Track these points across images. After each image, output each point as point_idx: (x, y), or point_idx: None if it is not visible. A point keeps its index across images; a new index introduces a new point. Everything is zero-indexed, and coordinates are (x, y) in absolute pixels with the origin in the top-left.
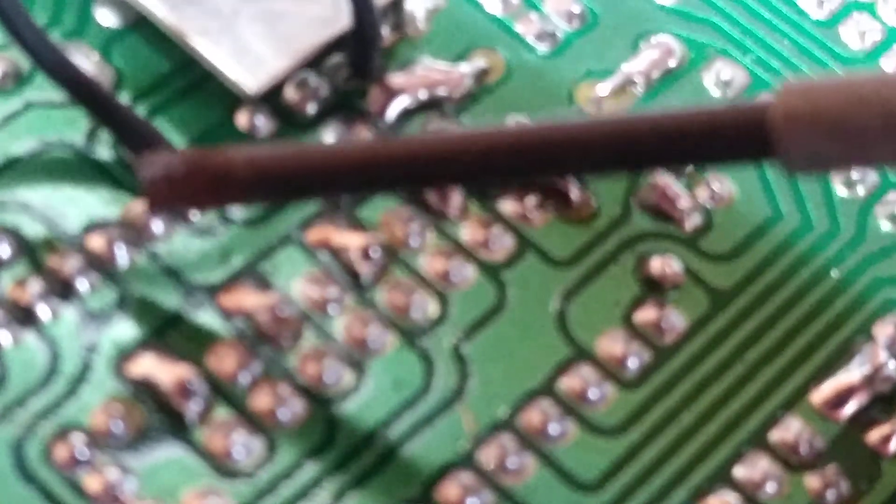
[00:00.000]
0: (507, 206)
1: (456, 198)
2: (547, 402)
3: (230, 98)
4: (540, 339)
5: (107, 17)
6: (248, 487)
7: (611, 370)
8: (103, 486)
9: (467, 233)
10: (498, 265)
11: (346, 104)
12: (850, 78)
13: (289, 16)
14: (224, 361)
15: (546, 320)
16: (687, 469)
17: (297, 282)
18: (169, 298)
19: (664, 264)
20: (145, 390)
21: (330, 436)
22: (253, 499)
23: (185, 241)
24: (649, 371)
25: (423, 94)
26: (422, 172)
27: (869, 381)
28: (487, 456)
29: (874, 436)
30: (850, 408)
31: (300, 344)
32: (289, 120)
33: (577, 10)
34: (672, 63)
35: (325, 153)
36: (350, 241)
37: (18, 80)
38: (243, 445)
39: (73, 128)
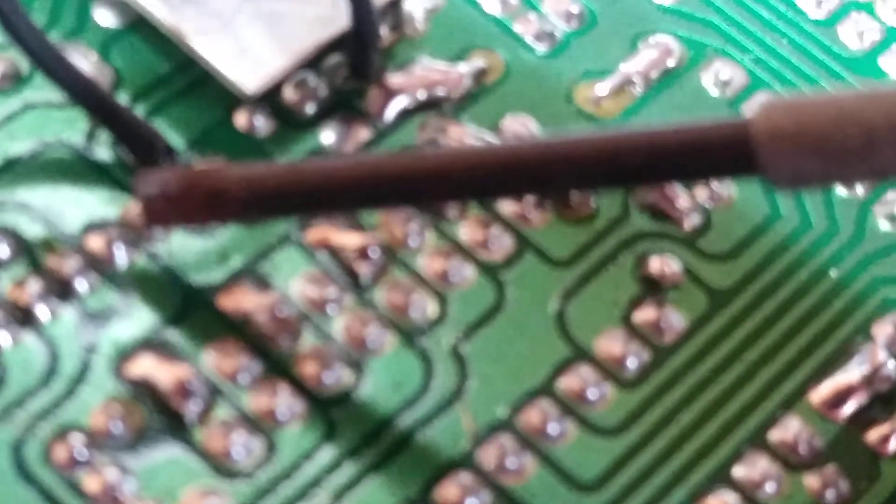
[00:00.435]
0: (506, 206)
1: None
2: (546, 401)
3: (229, 98)
4: (539, 339)
5: (105, 18)
6: (248, 487)
7: (610, 370)
8: (103, 486)
9: (466, 233)
10: (497, 265)
11: (345, 104)
12: (832, 95)
13: (287, 16)
14: (223, 362)
15: (545, 320)
16: (686, 469)
17: (296, 282)
18: (168, 299)
19: (663, 264)
20: (144, 391)
21: (329, 436)
22: (252, 499)
23: (184, 241)
24: (648, 371)
25: (421, 95)
26: (414, 190)
27: (868, 380)
28: (487, 456)
29: (873, 435)
30: (849, 407)
31: (299, 344)
32: (288, 120)
33: (575, 10)
34: (671, 63)
35: (320, 171)
36: (349, 241)
37: (17, 80)
38: (243, 446)
39: (72, 128)
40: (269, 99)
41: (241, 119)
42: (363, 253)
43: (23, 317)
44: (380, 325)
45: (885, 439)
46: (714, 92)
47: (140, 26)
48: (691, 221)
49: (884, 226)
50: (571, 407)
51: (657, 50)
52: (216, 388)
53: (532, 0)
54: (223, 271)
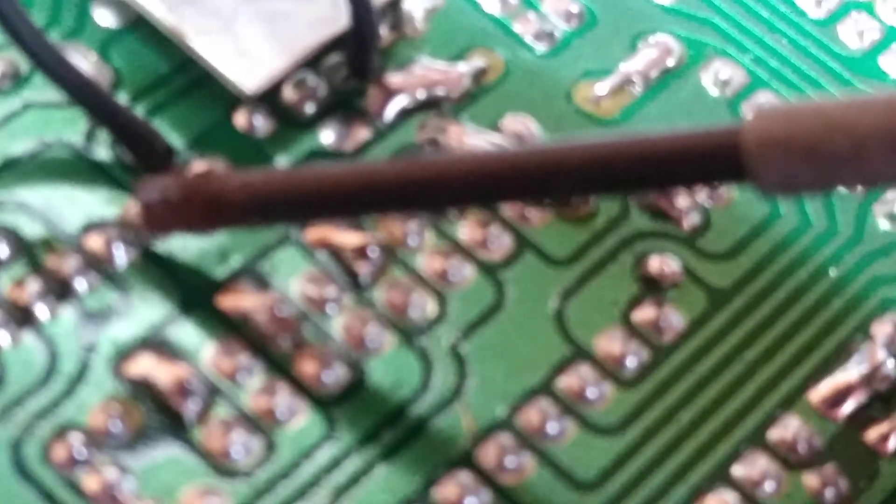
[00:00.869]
0: (506, 205)
1: None
2: (545, 401)
3: (229, 98)
4: (538, 338)
5: (105, 18)
6: (247, 487)
7: (609, 369)
8: (102, 485)
9: (466, 232)
10: (496, 264)
11: (345, 104)
12: (821, 103)
13: (287, 16)
14: (222, 361)
15: (544, 319)
16: (685, 468)
17: (295, 281)
18: (167, 298)
19: (663, 263)
20: (144, 390)
21: (328, 435)
22: (252, 498)
23: (183, 240)
24: (648, 370)
25: (421, 94)
26: (411, 197)
27: (867, 379)
28: (486, 455)
29: (872, 434)
30: (848, 406)
31: (299, 343)
32: (287, 120)
33: (575, 9)
34: (670, 62)
35: (318, 177)
36: (348, 240)
37: (17, 80)
38: (242, 445)
39: (71, 128)
40: (269, 99)
41: (240, 119)
42: (362, 252)
43: (22, 316)
44: (379, 324)
45: (885, 438)
46: (714, 91)
47: (139, 26)
48: (691, 221)
49: (883, 225)
50: (571, 406)
51: (657, 49)
52: (215, 388)
53: None
54: (222, 271)
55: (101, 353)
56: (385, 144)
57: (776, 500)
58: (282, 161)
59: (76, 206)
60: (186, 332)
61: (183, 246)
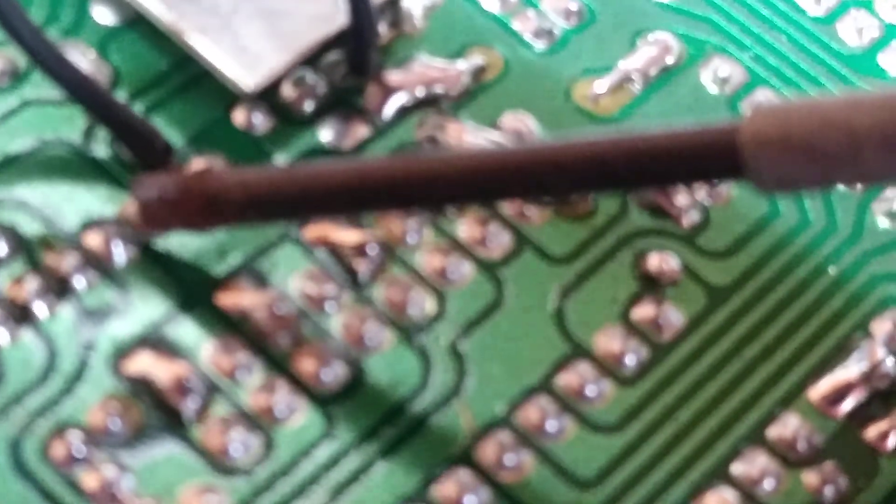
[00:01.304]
0: (505, 203)
1: None
2: (545, 398)
3: (227, 95)
4: (538, 336)
5: (104, 15)
6: (246, 485)
7: (609, 367)
8: (101, 483)
9: (465, 230)
10: (495, 262)
11: (344, 101)
12: (817, 100)
13: (286, 13)
14: (221, 359)
15: (544, 317)
16: (685, 466)
17: (294, 279)
18: (166, 296)
19: (662, 261)
20: (143, 388)
21: (327, 433)
22: (250, 496)
23: (182, 238)
24: (647, 368)
25: (420, 92)
26: (409, 195)
27: (867, 377)
28: (485, 453)
29: (872, 432)
30: (847, 404)
31: (297, 341)
32: (286, 117)
33: (574, 7)
34: (670, 60)
35: (316, 175)
36: (347, 238)
37: (15, 77)
38: (241, 443)
39: (70, 126)
40: (268, 96)
41: (239, 116)
42: (361, 250)
43: (21, 314)
44: (378, 322)
45: (884, 436)
46: (713, 89)
47: (138, 24)
48: (690, 218)
49: (882, 223)
50: (570, 404)
51: (656, 47)
52: (214, 386)
53: None
54: (221, 268)
55: (100, 351)
56: (384, 142)
57: (775, 498)
58: (281, 159)
59: (75, 204)
60: (185, 330)
61: (182, 244)
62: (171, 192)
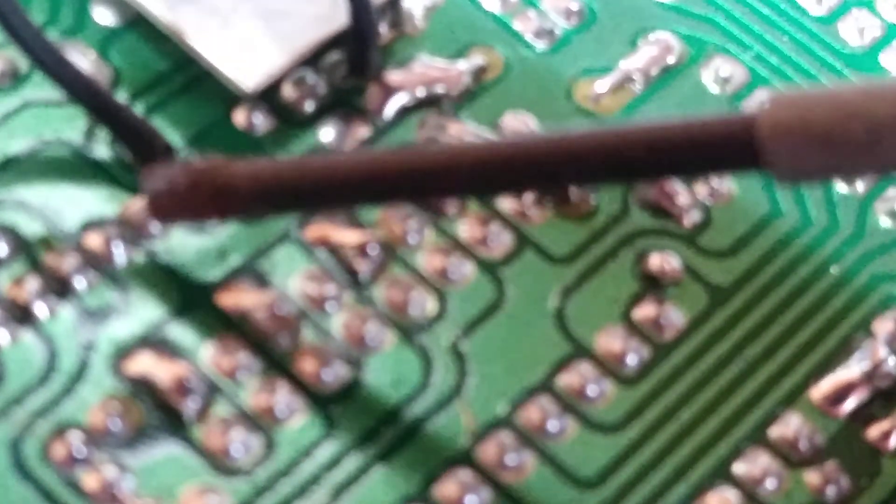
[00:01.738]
0: (506, 203)
1: None
2: (546, 398)
3: (228, 96)
4: (539, 336)
5: (104, 16)
6: (247, 485)
7: (610, 367)
8: (101, 484)
9: (466, 230)
10: (496, 262)
11: (344, 102)
12: (835, 90)
13: (286, 14)
14: (222, 359)
15: (545, 317)
16: (686, 465)
17: (295, 279)
18: (167, 296)
19: (663, 261)
20: (143, 388)
21: (328, 433)
22: (251, 496)
23: (182, 238)
24: (648, 368)
25: (420, 92)
26: (418, 186)
27: (868, 377)
28: (486, 453)
29: (874, 432)
30: (849, 404)
31: (298, 341)
32: (286, 118)
33: (575, 7)
34: (671, 60)
35: (325, 166)
36: (348, 238)
37: (16, 78)
38: (241, 443)
39: (70, 126)
40: (268, 96)
41: (239, 117)
42: (362, 250)
43: (21, 315)
44: (379, 322)
45: (886, 436)
46: (714, 89)
47: (139, 24)
48: (691, 218)
49: (884, 222)
50: (571, 404)
51: (657, 47)
52: (215, 386)
53: None
54: (222, 269)
55: (101, 352)
56: (384, 142)
57: (777, 498)
58: (283, 159)
59: (75, 205)
60: (186, 331)
61: (182, 244)
62: (180, 184)
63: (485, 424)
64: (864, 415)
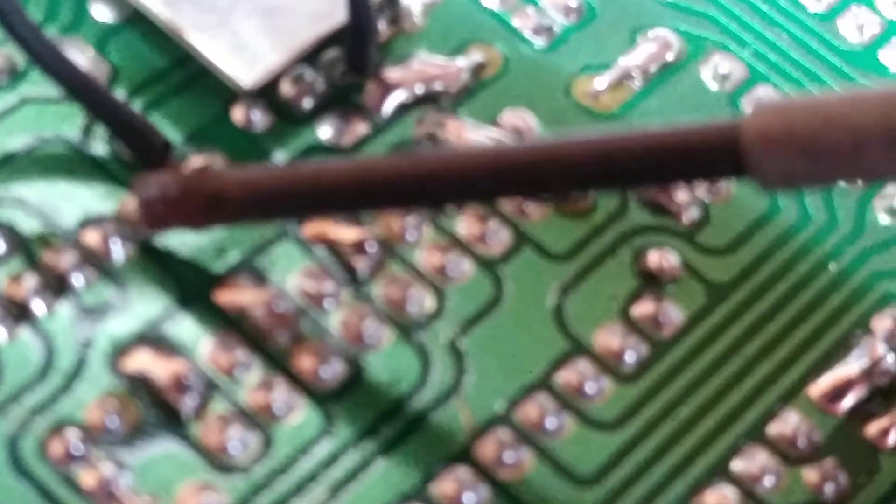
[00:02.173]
0: (505, 200)
1: None
2: (544, 396)
3: (226, 93)
4: (537, 333)
5: (102, 13)
6: (244, 482)
7: (608, 364)
8: (98, 481)
9: (464, 227)
10: (495, 259)
11: (343, 99)
12: (820, 98)
13: (285, 10)
14: (220, 356)
15: (543, 314)
16: (685, 463)
17: (293, 276)
18: (164, 293)
19: (662, 258)
20: (141, 385)
21: (326, 430)
22: (249, 494)
23: (180, 236)
24: (647, 365)
25: (419, 89)
26: (410, 193)
27: (867, 374)
28: (485, 450)
29: (872, 429)
30: (848, 401)
31: (296, 339)
32: (285, 115)
33: (574, 3)
34: (670, 57)
35: (318, 173)
36: (346, 235)
37: (14, 75)
38: (239, 440)
39: (68, 123)
40: (267, 93)
41: (238, 114)
42: (360, 247)
43: (19, 312)
44: (377, 319)
45: (885, 433)
46: (713, 86)
47: (137, 21)
48: (690, 215)
49: (883, 219)
50: (569, 401)
51: (656, 44)
52: (213, 383)
53: None
54: (220, 266)
55: (98, 349)
56: (383, 139)
57: (776, 495)
58: (280, 156)
59: (73, 202)
60: (184, 328)
61: (180, 241)
62: (172, 191)
63: (483, 422)
64: (862, 412)
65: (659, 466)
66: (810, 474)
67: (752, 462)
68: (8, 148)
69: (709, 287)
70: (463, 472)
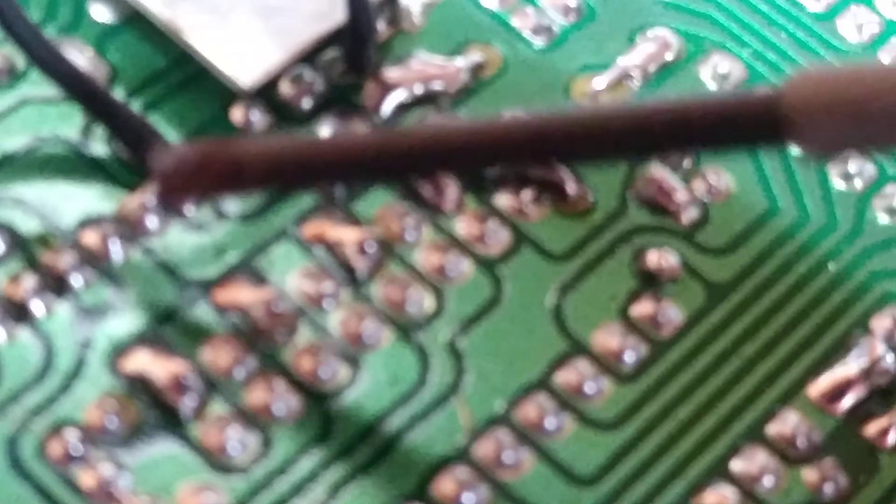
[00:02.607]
0: (503, 200)
1: (452, 192)
2: (543, 396)
3: (225, 93)
4: (536, 333)
5: (101, 13)
6: (244, 483)
7: (607, 364)
8: (98, 482)
9: (463, 227)
10: (494, 259)
11: (342, 99)
12: (863, 65)
13: (283, 11)
14: (219, 357)
15: (542, 314)
16: (684, 463)
17: (292, 277)
18: (163, 294)
19: (661, 258)
20: (140, 386)
21: (325, 431)
22: (248, 494)
23: (179, 236)
24: (646, 365)
25: (418, 89)
26: (431, 161)
27: (866, 374)
28: (484, 450)
29: (872, 429)
30: (847, 401)
31: (295, 339)
32: (284, 115)
33: (573, 3)
34: (669, 57)
35: (336, 143)
36: (345, 235)
37: (13, 75)
38: (238, 441)
39: (67, 123)
40: (266, 94)
41: (237, 114)
42: (360, 247)
43: (18, 312)
44: (376, 319)
45: (884, 433)
46: (712, 86)
47: (136, 21)
48: (689, 215)
49: (882, 219)
50: (569, 401)
51: (655, 44)
52: (212, 384)
53: None
54: (219, 266)
55: (97, 349)
56: None
57: (775, 495)
58: None
59: (72, 202)
60: (183, 328)
61: (179, 241)
62: (190, 161)
63: (482, 422)
64: (861, 412)
65: (658, 466)
66: (810, 474)
67: (751, 462)
68: (7, 148)
69: (708, 287)
70: (462, 472)
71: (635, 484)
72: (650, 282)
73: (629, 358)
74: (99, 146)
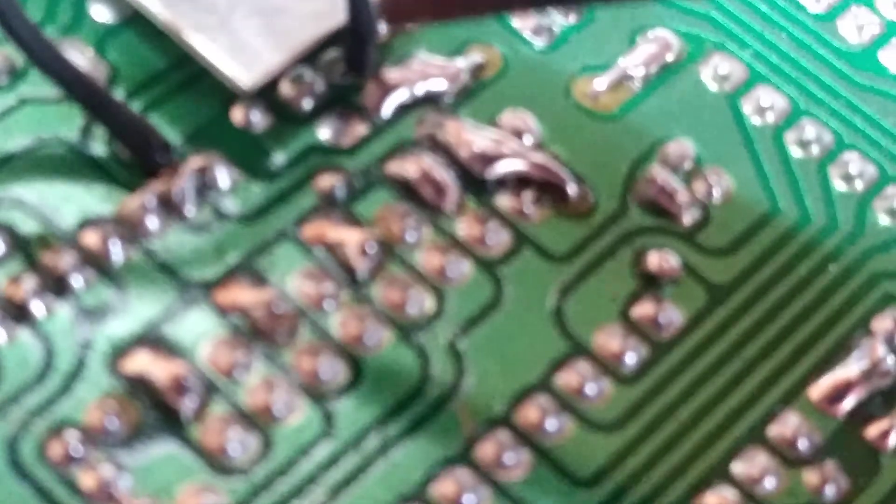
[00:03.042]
0: (504, 201)
1: (452, 193)
2: (544, 397)
3: (225, 94)
4: (537, 334)
5: (102, 13)
6: (244, 484)
7: (608, 365)
8: (98, 483)
9: (464, 228)
10: (494, 260)
11: (342, 99)
12: None
13: (284, 11)
14: (219, 358)
15: (543, 316)
16: (685, 465)
17: (292, 278)
18: (164, 295)
19: (662, 259)
20: (140, 387)
21: (326, 432)
22: (248, 495)
23: (180, 237)
24: (647, 366)
25: (419, 89)
26: None
27: (867, 375)
28: (484, 452)
29: (873, 431)
30: (848, 403)
31: (296, 340)
32: (284, 115)
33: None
34: (669, 57)
35: None
36: (346, 236)
37: (13, 76)
38: (239, 442)
39: (67, 124)
40: (266, 94)
41: (237, 114)
42: (360, 248)
43: (18, 313)
44: (377, 320)
45: (885, 435)
46: (713, 87)
47: (136, 22)
48: (690, 216)
49: (883, 220)
50: (569, 402)
51: (656, 44)
52: (212, 385)
53: None
54: (219, 267)
55: (98, 350)
56: (383, 140)
57: (776, 497)
58: (279, 157)
59: (72, 203)
60: (183, 329)
61: (180, 242)
62: None
63: (483, 423)
64: (862, 414)
65: (659, 468)
66: (810, 476)
67: (752, 464)
68: (7, 148)
69: (709, 288)
70: (462, 473)
71: (636, 486)
72: (651, 283)
73: (630, 359)
74: (99, 146)
